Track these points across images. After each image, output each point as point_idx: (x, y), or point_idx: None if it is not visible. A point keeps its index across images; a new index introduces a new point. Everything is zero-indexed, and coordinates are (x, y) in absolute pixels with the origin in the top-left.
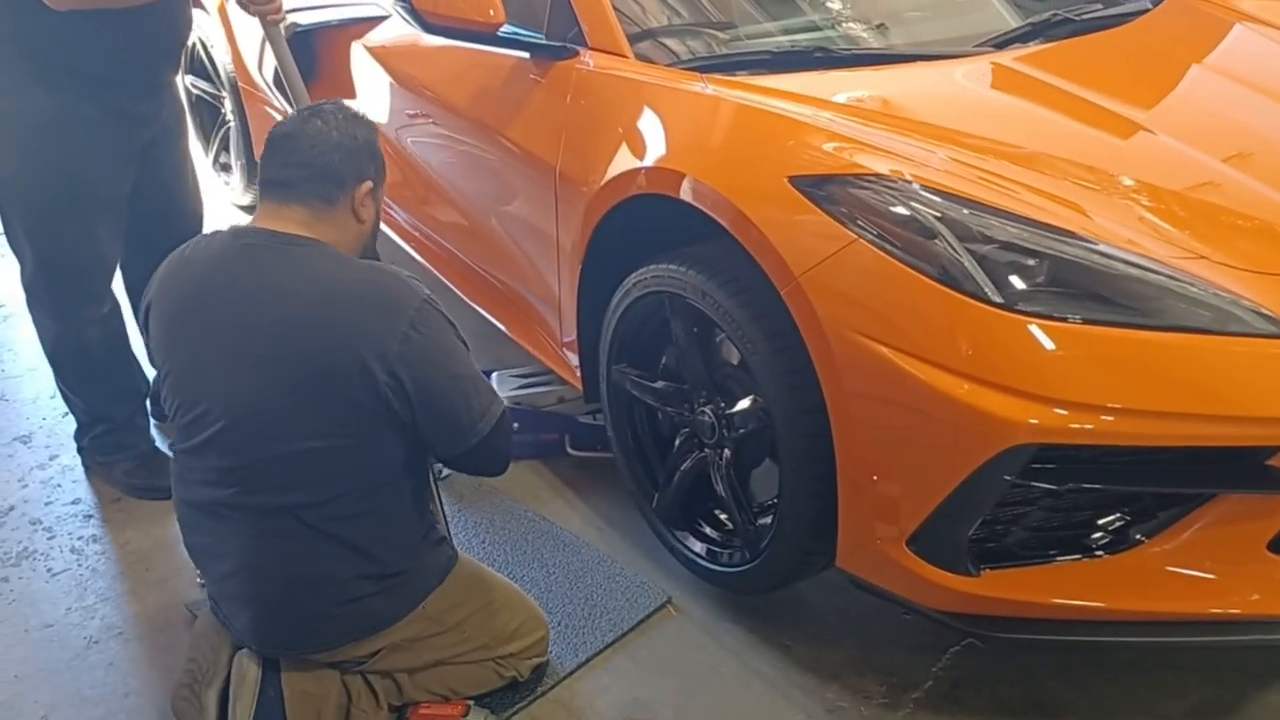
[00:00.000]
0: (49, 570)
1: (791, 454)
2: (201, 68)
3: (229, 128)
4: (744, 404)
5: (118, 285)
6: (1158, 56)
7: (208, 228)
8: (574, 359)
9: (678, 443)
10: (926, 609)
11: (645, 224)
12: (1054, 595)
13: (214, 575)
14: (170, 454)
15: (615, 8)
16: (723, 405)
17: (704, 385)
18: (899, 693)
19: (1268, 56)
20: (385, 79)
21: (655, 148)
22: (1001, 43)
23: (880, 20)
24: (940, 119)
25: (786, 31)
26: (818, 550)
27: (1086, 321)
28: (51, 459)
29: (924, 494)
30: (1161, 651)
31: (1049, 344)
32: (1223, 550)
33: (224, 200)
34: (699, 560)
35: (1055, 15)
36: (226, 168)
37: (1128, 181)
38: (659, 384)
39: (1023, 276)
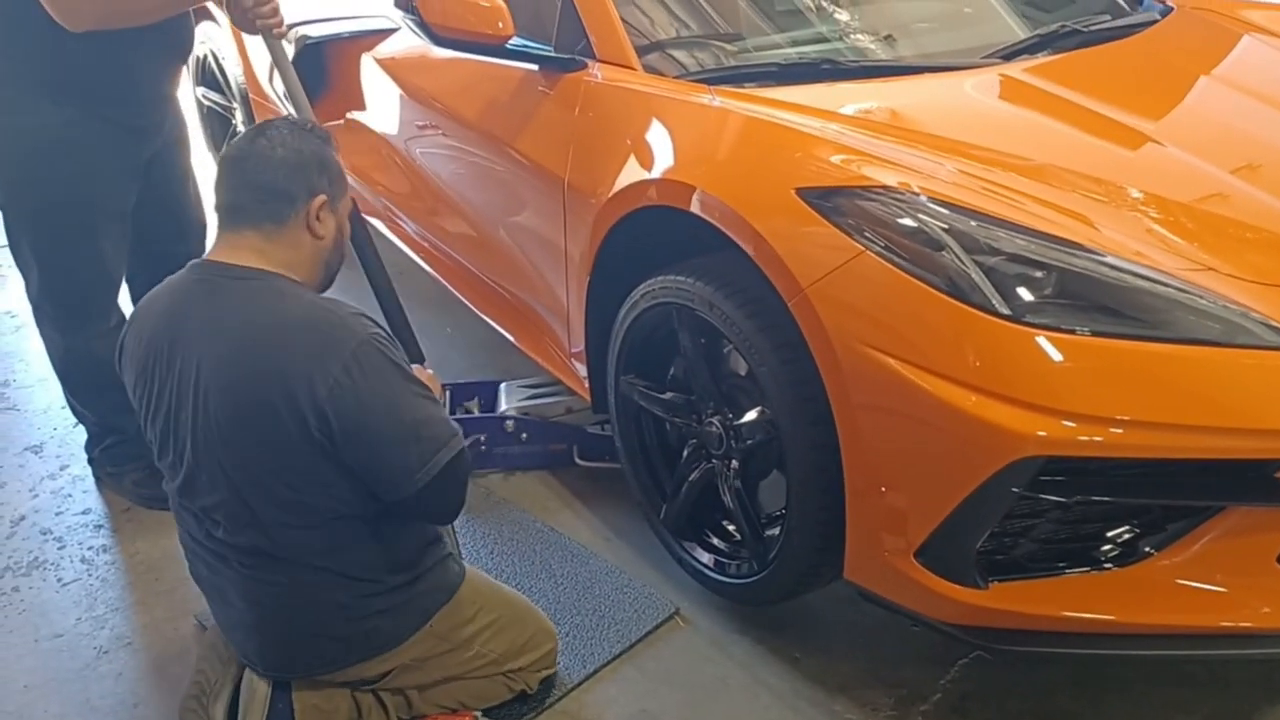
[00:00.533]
0: (59, 580)
1: (799, 465)
2: (213, 79)
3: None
4: (751, 415)
5: (124, 298)
6: (1166, 68)
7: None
8: (582, 370)
9: (685, 454)
10: (934, 621)
11: (653, 235)
12: (1063, 608)
13: (217, 605)
14: None
15: (623, 20)
16: (730, 416)
17: (712, 396)
18: (907, 705)
19: (1276, 68)
20: (395, 91)
21: (664, 160)
22: (1009, 54)
23: (888, 32)
24: (948, 131)
25: (794, 44)
26: (825, 562)
27: (1095, 333)
28: (62, 469)
29: (932, 506)
30: (1171, 664)
31: (1057, 356)
32: (1233, 563)
33: None
34: (707, 571)
35: (1063, 27)
36: None
37: (1136, 193)
38: (667, 395)
39: (1030, 288)
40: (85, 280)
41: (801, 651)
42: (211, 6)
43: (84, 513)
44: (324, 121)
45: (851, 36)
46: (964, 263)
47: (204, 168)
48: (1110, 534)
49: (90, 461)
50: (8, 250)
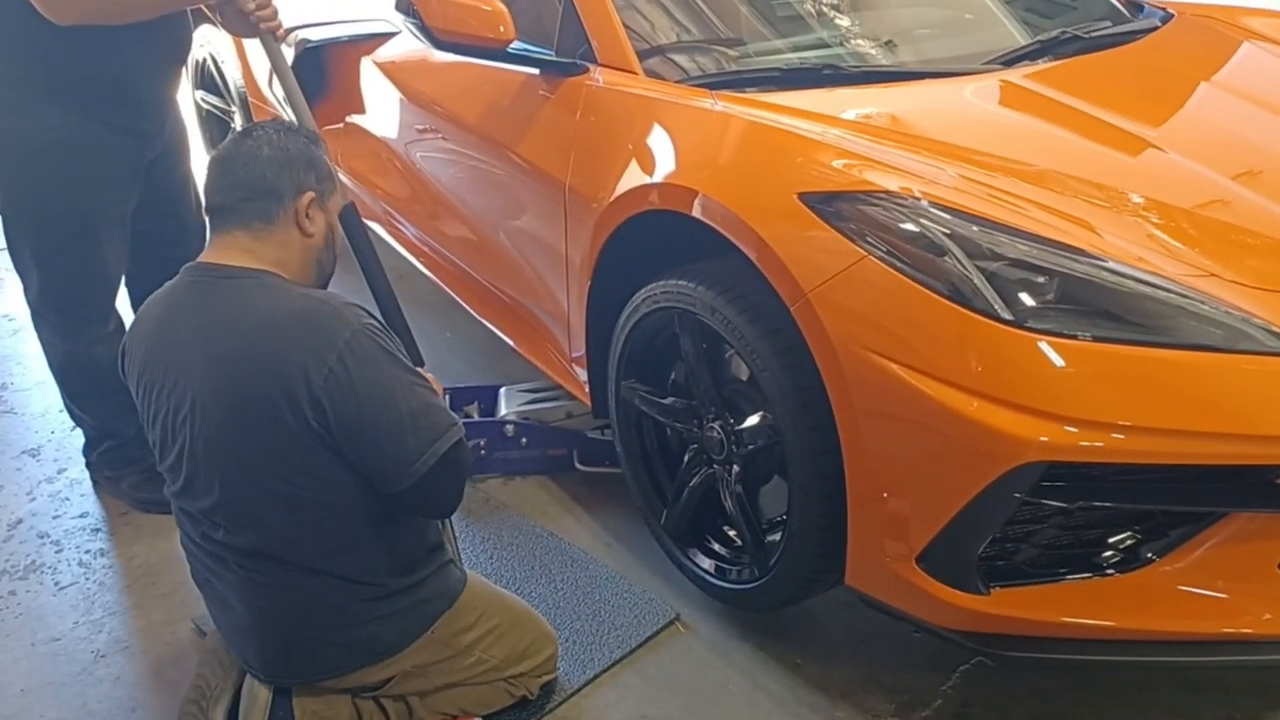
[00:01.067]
0: (56, 584)
1: (800, 471)
2: (212, 83)
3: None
4: (753, 420)
5: (123, 302)
6: (1167, 74)
7: None
8: (583, 374)
9: (686, 459)
10: (936, 627)
11: (655, 240)
12: (1065, 614)
13: (217, 610)
14: None
15: (625, 25)
16: (731, 421)
17: (713, 401)
18: (908, 711)
19: (1276, 74)
20: (394, 94)
21: (665, 164)
22: (1010, 60)
23: (889, 38)
24: (949, 136)
25: (795, 49)
26: (827, 568)
27: (1097, 339)
28: (60, 473)
29: (934, 511)
30: (1174, 671)
31: (1059, 361)
32: (1234, 569)
33: None
34: (708, 577)
35: (1064, 33)
36: None
37: (1137, 199)
38: (668, 400)
39: (1032, 294)
40: (85, 284)
41: (803, 657)
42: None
43: (81, 516)
44: (323, 125)
45: (853, 42)
46: (966, 268)
47: (202, 172)
48: (1112, 540)
49: (88, 465)
50: (7, 254)
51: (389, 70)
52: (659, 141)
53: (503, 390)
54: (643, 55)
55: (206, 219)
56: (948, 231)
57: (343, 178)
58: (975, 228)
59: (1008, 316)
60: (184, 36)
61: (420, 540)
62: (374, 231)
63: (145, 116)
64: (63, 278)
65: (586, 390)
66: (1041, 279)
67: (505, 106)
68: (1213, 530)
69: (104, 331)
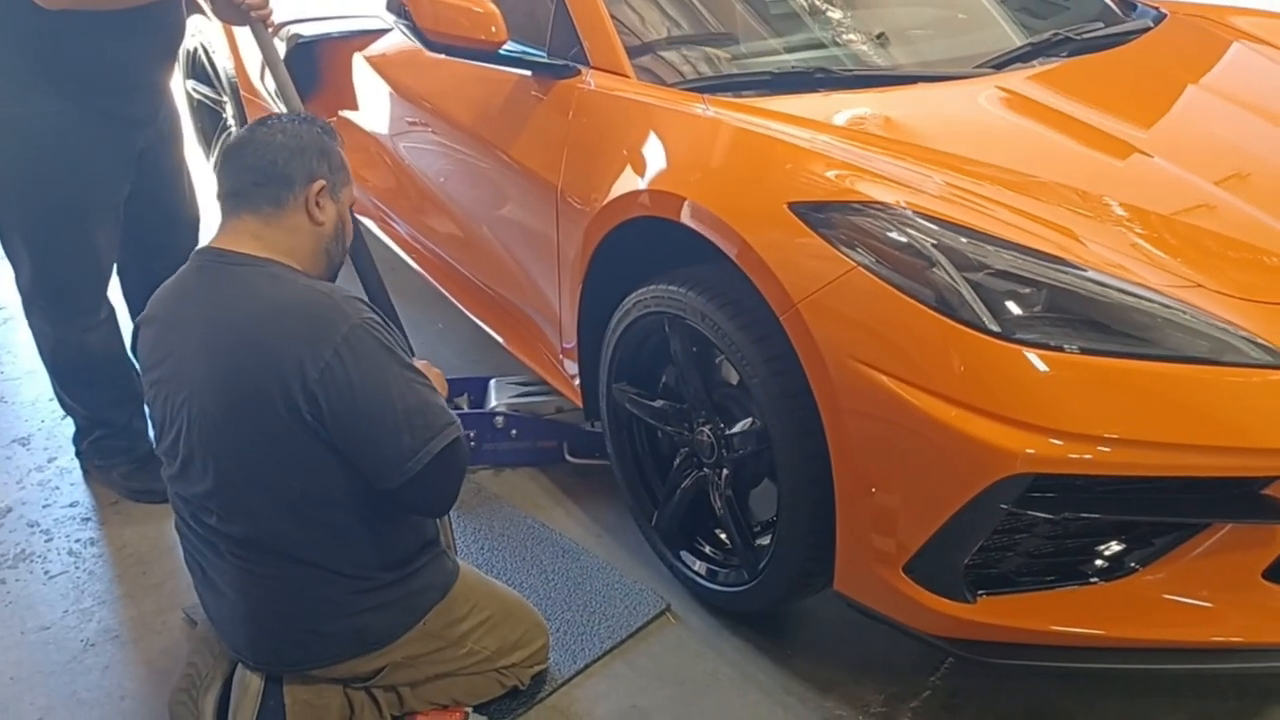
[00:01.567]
0: (46, 573)
1: (789, 475)
2: (203, 72)
3: (230, 133)
4: (743, 425)
5: (114, 291)
6: (1159, 78)
7: (205, 233)
8: (573, 367)
9: (677, 461)
10: (923, 634)
11: (647, 242)
12: (1050, 622)
13: (209, 596)
14: None
15: (617, 26)
16: (722, 426)
17: (703, 405)
18: (897, 702)
19: (1265, 77)
20: (386, 90)
21: (655, 170)
22: (1002, 63)
23: (881, 42)
24: (939, 143)
25: (788, 50)
26: (815, 571)
27: (1084, 351)
28: (50, 461)
29: (921, 521)
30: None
31: (1045, 373)
32: (1219, 578)
33: None
34: (698, 579)
35: (1056, 35)
36: None
37: (1126, 208)
38: (658, 403)
39: (1020, 305)
40: (76, 272)
41: (792, 648)
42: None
43: (71, 505)
44: None
45: (845, 46)
46: (954, 279)
47: (194, 161)
48: (1098, 549)
49: (78, 454)
50: None
51: (381, 66)
52: (650, 146)
53: (493, 382)
54: (635, 58)
55: (219, 204)
56: (935, 242)
57: None
58: (964, 239)
59: (995, 328)
60: (176, 24)
61: (416, 536)
62: (365, 227)
63: (138, 104)
64: (54, 265)
65: (578, 390)
66: (1028, 290)
67: (497, 107)
68: (1197, 540)
69: (95, 320)
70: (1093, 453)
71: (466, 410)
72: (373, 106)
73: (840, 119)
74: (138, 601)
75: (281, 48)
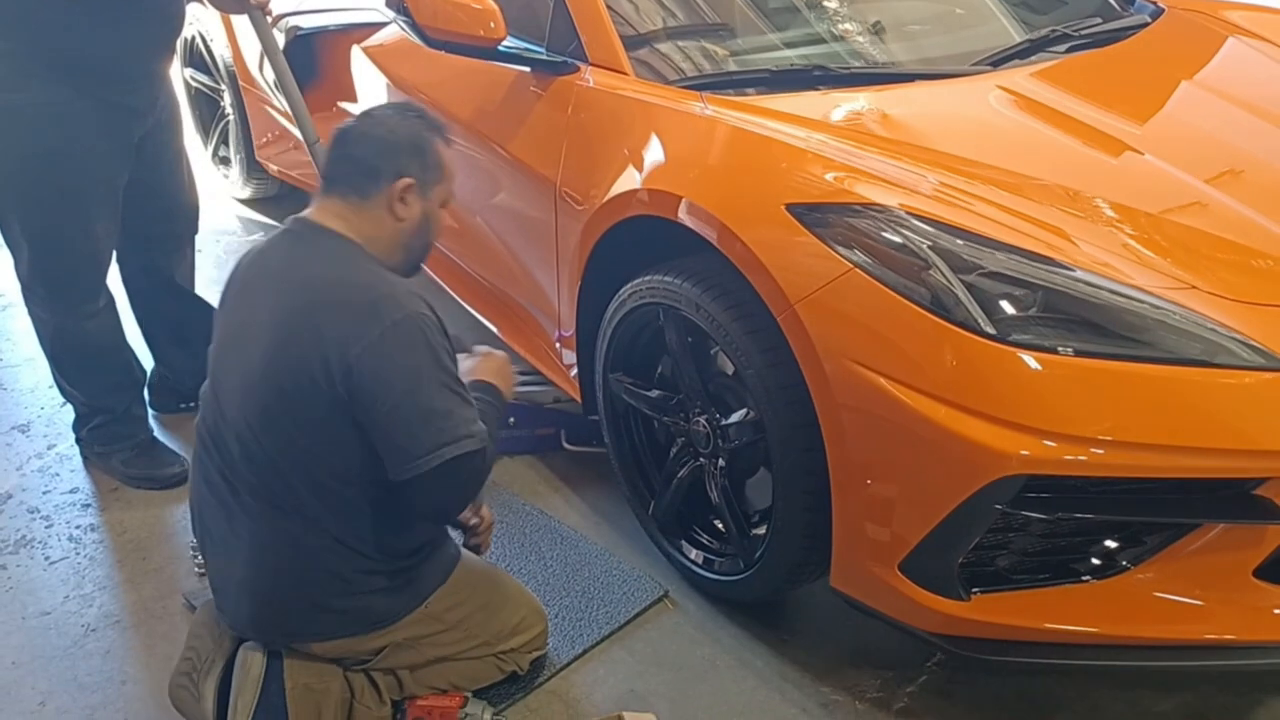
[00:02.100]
0: (47, 558)
1: (784, 466)
2: (201, 61)
3: (228, 121)
4: (738, 416)
5: (113, 278)
6: (1155, 75)
7: (204, 221)
8: (570, 357)
9: (673, 451)
10: (918, 631)
11: (645, 236)
12: (1044, 620)
13: (218, 561)
14: (167, 444)
15: (616, 23)
16: (717, 416)
17: (699, 396)
18: (894, 687)
19: (1260, 73)
20: (384, 83)
21: (653, 168)
22: (1001, 59)
23: (879, 39)
24: (936, 143)
25: (787, 46)
26: (810, 560)
27: (1079, 353)
28: (49, 448)
29: (916, 520)
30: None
31: (1040, 375)
32: (1210, 577)
33: (223, 193)
34: (695, 568)
35: (1054, 31)
36: (225, 161)
37: (1121, 209)
38: (654, 393)
39: (1015, 307)
40: (76, 259)
41: (789, 634)
42: None
43: (71, 491)
44: (314, 112)
45: (844, 42)
46: (950, 281)
47: (193, 149)
48: (1091, 548)
49: (78, 441)
50: None
51: (379, 58)
52: (648, 144)
53: None
54: (634, 55)
55: (318, 179)
56: (932, 244)
57: None
58: (959, 241)
59: (990, 330)
60: (176, 13)
61: (426, 530)
62: None
63: (136, 92)
64: (53, 253)
65: (574, 381)
66: (1023, 292)
67: (496, 101)
68: (1189, 539)
69: (95, 307)
70: (1087, 454)
71: None
72: (371, 100)
73: (837, 118)
74: (138, 586)
75: (280, 40)
